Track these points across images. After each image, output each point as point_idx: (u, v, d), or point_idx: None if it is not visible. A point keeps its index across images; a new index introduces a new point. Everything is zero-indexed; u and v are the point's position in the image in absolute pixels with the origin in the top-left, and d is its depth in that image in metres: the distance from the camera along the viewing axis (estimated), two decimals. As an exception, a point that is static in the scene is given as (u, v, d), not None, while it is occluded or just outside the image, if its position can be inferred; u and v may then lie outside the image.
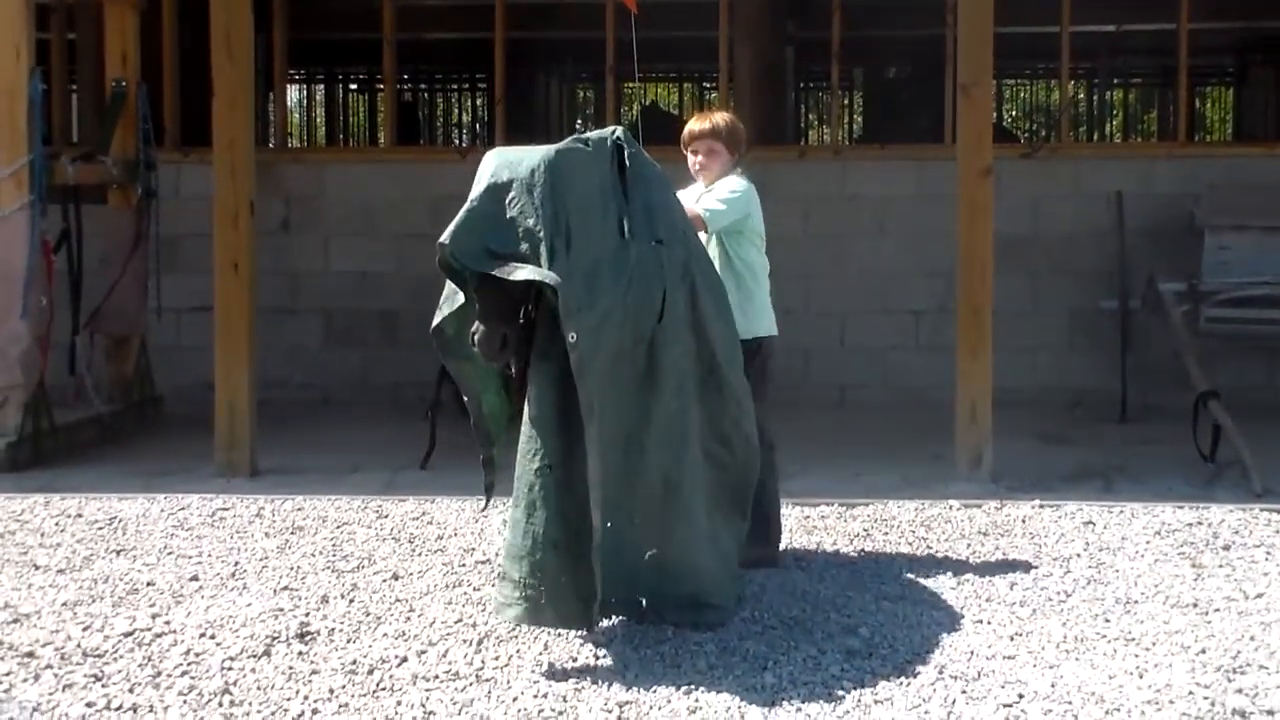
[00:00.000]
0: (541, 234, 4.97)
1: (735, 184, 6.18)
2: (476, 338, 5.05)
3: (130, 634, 5.36)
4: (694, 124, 6.32)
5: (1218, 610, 5.67)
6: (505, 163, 5.12)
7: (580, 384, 4.94)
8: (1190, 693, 4.78)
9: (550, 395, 5.08)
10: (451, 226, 5.02)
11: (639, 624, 5.37)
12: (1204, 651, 5.17)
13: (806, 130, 25.96)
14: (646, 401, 5.27)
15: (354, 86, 27.39)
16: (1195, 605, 5.73)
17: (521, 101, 19.14)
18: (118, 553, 6.60)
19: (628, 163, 5.32)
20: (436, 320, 5.41)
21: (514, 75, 12.79)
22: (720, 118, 6.31)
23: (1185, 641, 5.28)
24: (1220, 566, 6.30)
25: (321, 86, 27.26)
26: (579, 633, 5.24)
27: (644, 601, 5.35)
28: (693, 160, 6.32)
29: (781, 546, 6.46)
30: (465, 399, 5.60)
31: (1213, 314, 9.75)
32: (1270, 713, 4.63)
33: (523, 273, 4.93)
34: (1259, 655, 5.14)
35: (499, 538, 6.70)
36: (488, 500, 5.75)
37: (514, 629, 5.32)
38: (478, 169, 5.16)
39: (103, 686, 4.85)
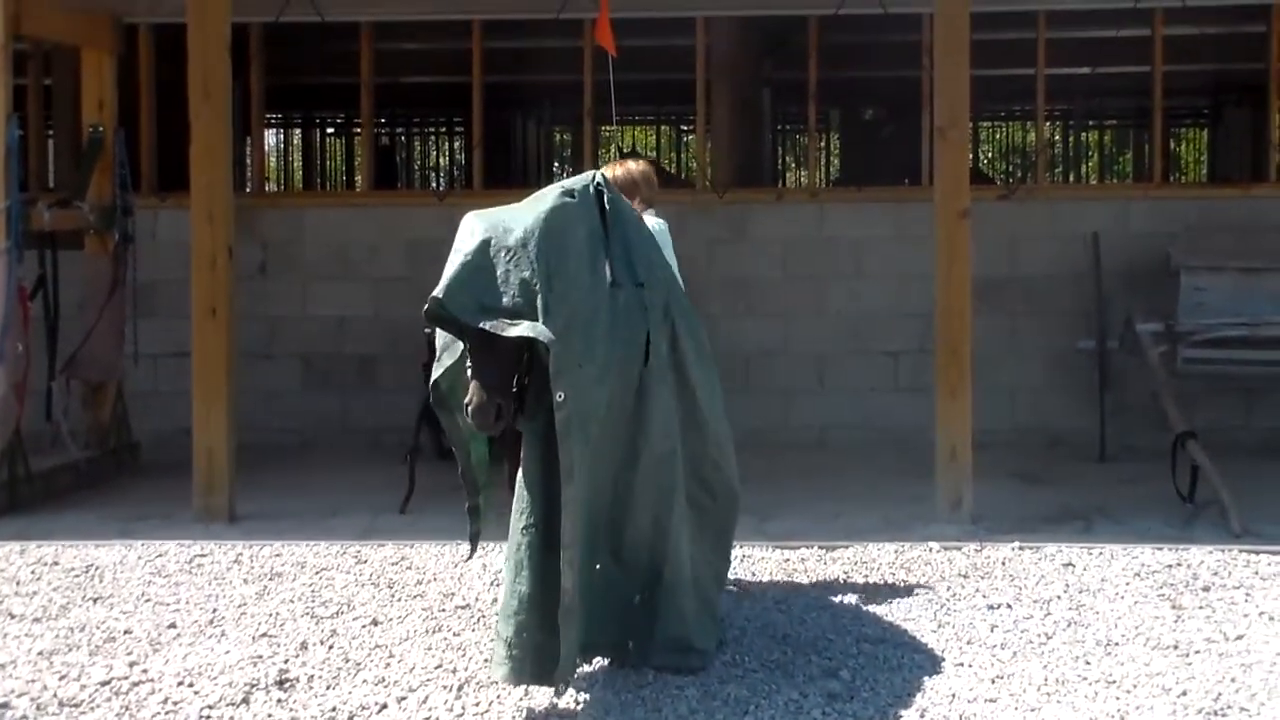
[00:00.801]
0: (538, 287, 4.97)
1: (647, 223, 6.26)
2: (470, 409, 5.00)
3: (107, 683, 5.32)
4: None
5: (1198, 652, 5.67)
6: (497, 220, 5.13)
7: (563, 445, 4.93)
8: (1172, 735, 4.78)
9: (536, 453, 5.07)
10: (444, 280, 4.99)
11: (621, 667, 5.35)
12: (1185, 694, 5.17)
13: (784, 173, 26.04)
14: (636, 445, 5.29)
15: (331, 130, 27.43)
16: (1176, 647, 5.73)
17: (499, 145, 19.18)
18: (95, 600, 6.55)
19: (607, 207, 5.35)
20: (436, 373, 5.41)
21: (492, 119, 12.81)
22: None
23: (1166, 684, 5.28)
24: (1200, 608, 6.30)
25: (299, 130, 27.28)
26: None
27: (630, 645, 5.34)
28: None
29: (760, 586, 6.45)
30: (454, 449, 5.59)
31: (1190, 355, 9.77)
32: (1252, 755, 4.63)
33: (517, 329, 4.92)
34: (1240, 697, 5.14)
35: (478, 582, 6.68)
36: (473, 549, 5.73)
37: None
38: (459, 228, 5.14)
39: (79, 737, 4.82)
